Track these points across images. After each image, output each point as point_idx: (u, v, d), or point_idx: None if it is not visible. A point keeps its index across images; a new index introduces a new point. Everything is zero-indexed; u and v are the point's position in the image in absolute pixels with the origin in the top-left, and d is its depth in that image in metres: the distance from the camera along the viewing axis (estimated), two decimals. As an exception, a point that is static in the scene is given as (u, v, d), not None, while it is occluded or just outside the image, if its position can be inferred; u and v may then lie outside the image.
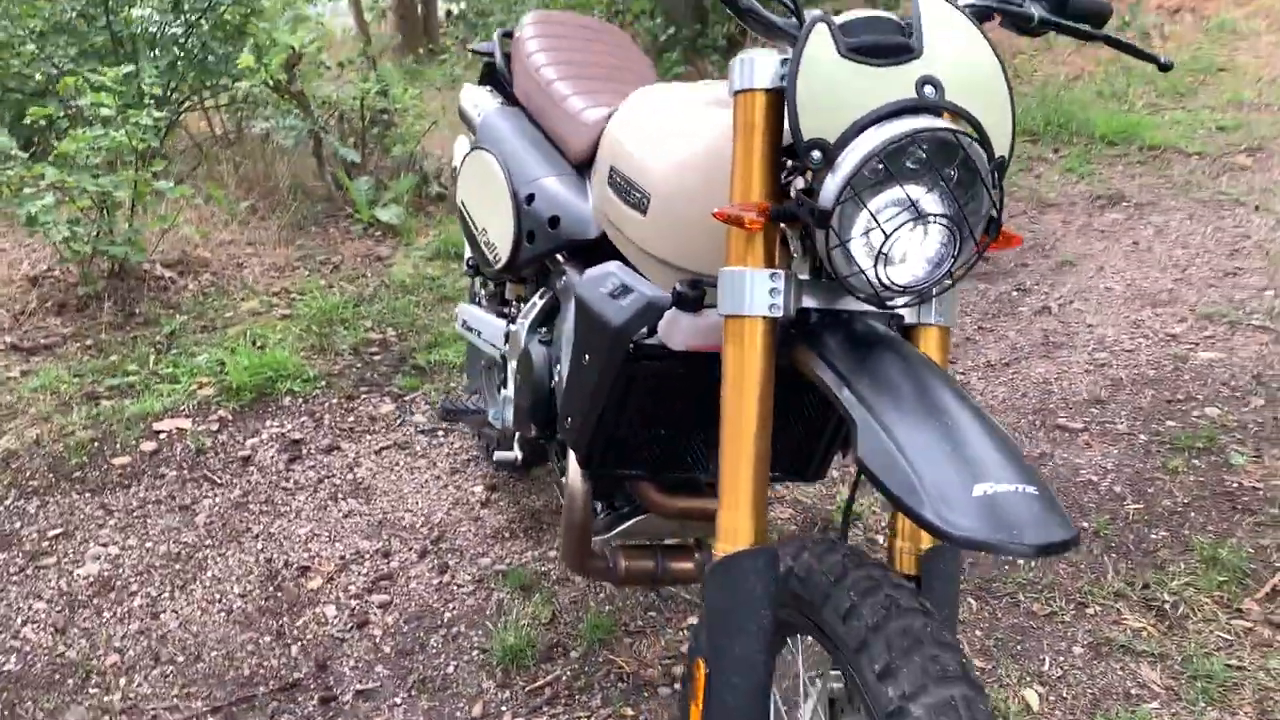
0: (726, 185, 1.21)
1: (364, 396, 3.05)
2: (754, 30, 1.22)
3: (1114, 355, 3.24)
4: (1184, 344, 3.27)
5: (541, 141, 1.98)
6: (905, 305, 1.16)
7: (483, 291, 2.47)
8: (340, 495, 2.59)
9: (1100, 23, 1.40)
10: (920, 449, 0.99)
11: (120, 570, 2.33)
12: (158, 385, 3.06)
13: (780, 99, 1.14)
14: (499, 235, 1.91)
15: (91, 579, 2.31)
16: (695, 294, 1.34)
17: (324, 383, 3.09)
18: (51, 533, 2.46)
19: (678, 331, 1.34)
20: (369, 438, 2.84)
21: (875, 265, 1.09)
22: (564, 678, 1.99)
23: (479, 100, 2.27)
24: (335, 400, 3.01)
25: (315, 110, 4.26)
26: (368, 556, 2.36)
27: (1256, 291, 3.60)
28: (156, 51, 4.43)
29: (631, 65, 2.17)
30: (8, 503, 2.55)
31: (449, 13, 10.80)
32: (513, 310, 2.11)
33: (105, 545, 2.42)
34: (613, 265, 1.45)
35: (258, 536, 2.43)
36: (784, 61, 1.14)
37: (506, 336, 2.05)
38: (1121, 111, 5.24)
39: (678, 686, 1.96)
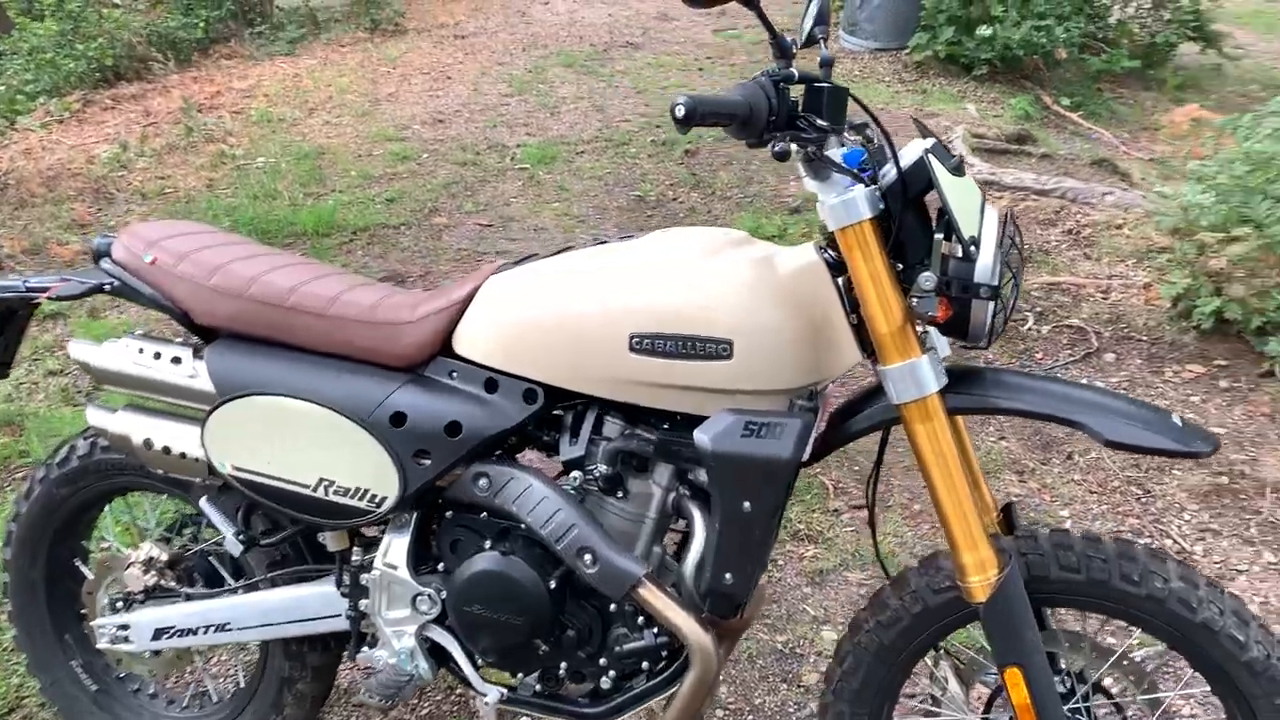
0: (800, 309, 1.53)
1: None
2: (818, 175, 1.48)
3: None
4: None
5: (323, 359, 1.73)
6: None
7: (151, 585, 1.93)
8: None
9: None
10: (1129, 416, 1.48)
11: None
12: None
13: (875, 223, 1.46)
14: (369, 476, 1.68)
15: None
16: (815, 404, 1.57)
17: None
18: None
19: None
20: None
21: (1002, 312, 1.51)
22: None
23: (141, 348, 1.79)
24: None
25: None
26: None
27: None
28: None
29: (267, 249, 1.94)
30: None
31: None
32: (360, 559, 1.78)
33: None
34: (724, 415, 1.52)
35: None
36: (873, 194, 1.46)
37: (355, 590, 1.79)
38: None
39: None
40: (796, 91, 1.47)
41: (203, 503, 1.84)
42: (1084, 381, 1.66)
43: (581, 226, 5.00)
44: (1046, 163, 5.72)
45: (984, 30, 7.31)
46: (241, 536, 1.81)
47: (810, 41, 1.51)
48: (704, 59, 8.11)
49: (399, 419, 1.67)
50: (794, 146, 1.41)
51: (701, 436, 1.52)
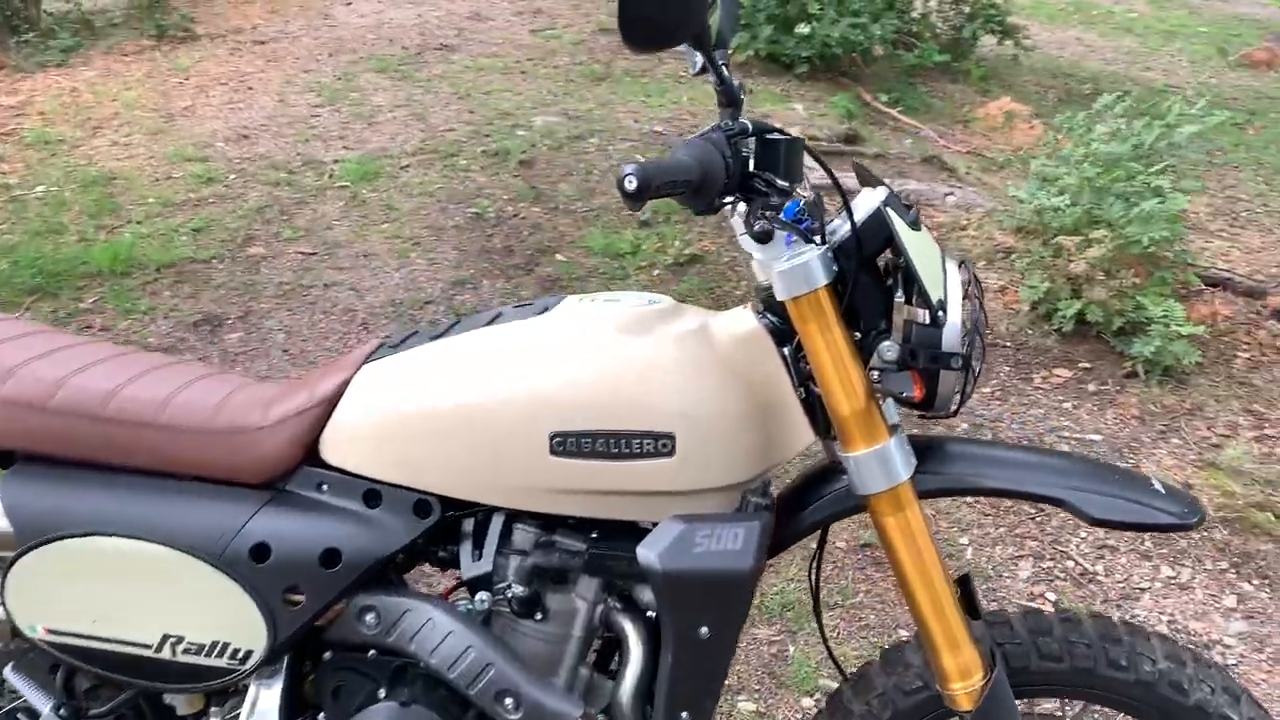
0: (745, 387, 1.32)
1: None
2: (761, 238, 1.26)
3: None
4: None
5: (157, 481, 1.39)
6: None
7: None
8: None
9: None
10: (1110, 487, 1.34)
11: None
12: None
13: (830, 288, 1.27)
14: (229, 627, 1.36)
15: None
16: (769, 499, 1.37)
17: None
18: None
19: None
20: None
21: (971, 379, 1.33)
22: None
23: None
24: None
25: None
26: None
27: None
28: None
29: (75, 339, 1.58)
30: None
31: None
32: (221, 718, 1.44)
33: None
34: (671, 525, 1.28)
35: None
36: (827, 256, 1.26)
37: None
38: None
39: None
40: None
41: (7, 671, 1.46)
42: (1054, 448, 1.53)
43: (417, 250, 4.64)
44: (881, 162, 5.73)
45: (802, 28, 7.33)
46: (62, 711, 1.44)
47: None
48: (525, 61, 7.82)
49: (261, 552, 1.35)
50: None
51: (648, 554, 1.28)
